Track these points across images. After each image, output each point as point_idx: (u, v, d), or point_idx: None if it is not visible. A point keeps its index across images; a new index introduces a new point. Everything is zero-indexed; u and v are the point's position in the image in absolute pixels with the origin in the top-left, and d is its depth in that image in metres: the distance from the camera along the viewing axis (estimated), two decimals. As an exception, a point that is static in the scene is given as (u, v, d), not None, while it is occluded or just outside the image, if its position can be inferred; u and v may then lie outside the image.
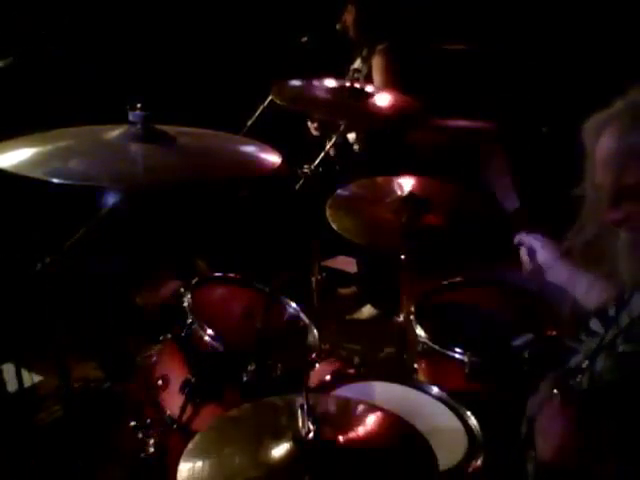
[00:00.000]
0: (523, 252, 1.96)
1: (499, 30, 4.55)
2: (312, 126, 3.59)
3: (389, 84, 3.45)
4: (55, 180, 1.38)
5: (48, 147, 1.53)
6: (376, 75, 3.51)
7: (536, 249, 1.92)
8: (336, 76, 2.75)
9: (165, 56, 4.14)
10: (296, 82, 2.65)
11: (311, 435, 1.33)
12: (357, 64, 3.61)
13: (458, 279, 2.43)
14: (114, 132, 1.59)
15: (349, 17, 3.58)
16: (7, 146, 1.56)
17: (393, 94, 2.84)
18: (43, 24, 2.66)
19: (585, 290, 1.75)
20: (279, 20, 4.40)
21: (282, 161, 1.69)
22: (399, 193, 2.37)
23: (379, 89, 3.40)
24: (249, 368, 1.90)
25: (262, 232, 4.12)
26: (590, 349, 1.54)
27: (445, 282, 2.42)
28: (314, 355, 2.08)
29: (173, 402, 1.94)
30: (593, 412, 1.46)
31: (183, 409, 1.90)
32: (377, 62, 3.52)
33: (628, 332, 1.43)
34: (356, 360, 3.12)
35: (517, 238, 1.99)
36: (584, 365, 1.52)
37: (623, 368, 1.42)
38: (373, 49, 3.54)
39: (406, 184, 2.40)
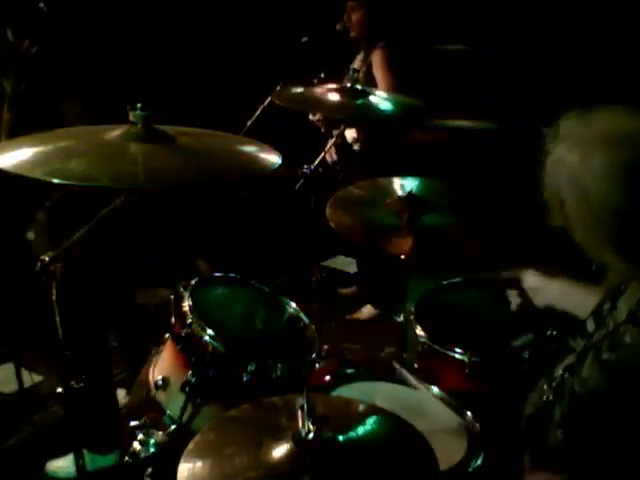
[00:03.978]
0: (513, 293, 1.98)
1: (499, 30, 4.56)
2: (314, 119, 3.59)
3: (390, 80, 3.45)
4: (55, 180, 1.38)
5: (48, 147, 1.53)
6: (377, 72, 3.50)
7: (524, 279, 1.94)
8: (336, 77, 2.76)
9: (165, 56, 4.14)
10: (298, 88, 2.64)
11: (311, 435, 1.33)
12: (356, 64, 3.60)
13: (458, 279, 2.43)
14: (114, 132, 1.59)
15: (355, 16, 3.56)
16: (7, 146, 1.56)
17: (395, 93, 2.84)
18: (42, 23, 2.67)
19: (581, 303, 1.74)
20: (279, 20, 4.41)
21: (282, 161, 1.69)
22: (399, 193, 2.37)
23: (381, 86, 3.42)
24: (249, 368, 1.90)
25: (262, 232, 4.13)
26: (581, 350, 1.55)
27: (445, 282, 2.42)
28: (314, 355, 2.08)
29: (173, 402, 1.94)
30: (583, 416, 1.47)
31: (183, 409, 1.91)
32: (377, 58, 3.51)
33: (613, 338, 1.43)
34: (355, 360, 3.13)
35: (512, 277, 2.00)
36: (574, 366, 1.53)
37: (606, 376, 1.42)
38: (372, 47, 3.53)
39: (406, 184, 2.40)
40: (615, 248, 1.37)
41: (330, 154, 3.70)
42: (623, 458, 1.41)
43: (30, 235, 2.53)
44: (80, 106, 2.33)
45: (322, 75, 3.09)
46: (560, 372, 1.59)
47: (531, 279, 1.93)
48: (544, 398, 1.61)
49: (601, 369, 1.43)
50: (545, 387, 1.63)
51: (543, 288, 1.89)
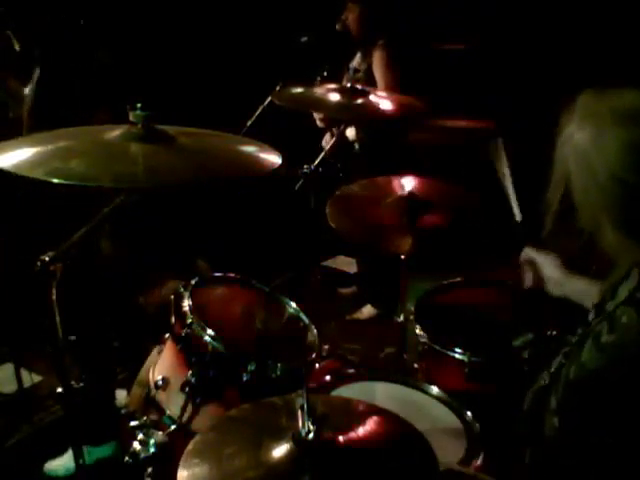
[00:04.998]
0: (526, 269, 1.96)
1: (498, 30, 4.56)
2: (317, 117, 3.59)
3: (390, 79, 3.45)
4: (55, 180, 1.38)
5: (48, 147, 1.53)
6: (377, 71, 3.50)
7: (543, 264, 1.93)
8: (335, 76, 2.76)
9: (166, 56, 4.14)
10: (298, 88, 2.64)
11: (311, 435, 1.33)
12: (356, 63, 3.60)
13: (458, 279, 2.43)
14: (114, 132, 1.59)
15: (351, 15, 3.57)
16: (7, 146, 1.56)
17: (395, 92, 2.84)
18: (41, 23, 2.67)
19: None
20: (279, 20, 4.41)
21: (282, 161, 1.69)
22: (399, 193, 2.37)
23: (380, 86, 3.42)
24: (249, 368, 1.90)
25: (262, 232, 4.13)
26: (579, 337, 1.55)
27: (445, 282, 2.42)
28: (314, 355, 2.08)
29: (173, 402, 1.94)
30: (577, 403, 1.47)
31: (183, 409, 1.90)
32: (377, 57, 3.50)
33: (611, 320, 1.44)
34: (356, 360, 3.13)
35: (524, 254, 1.98)
36: (571, 353, 1.53)
37: (605, 358, 1.43)
38: (373, 45, 3.53)
39: (406, 184, 2.40)
40: (619, 225, 1.39)
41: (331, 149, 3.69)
42: (621, 441, 1.41)
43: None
44: (110, 115, 2.34)
45: (325, 74, 3.08)
46: (559, 359, 1.59)
47: (551, 270, 1.91)
48: (542, 382, 1.61)
49: (600, 351, 1.43)
50: (544, 373, 1.63)
51: (562, 283, 1.88)
